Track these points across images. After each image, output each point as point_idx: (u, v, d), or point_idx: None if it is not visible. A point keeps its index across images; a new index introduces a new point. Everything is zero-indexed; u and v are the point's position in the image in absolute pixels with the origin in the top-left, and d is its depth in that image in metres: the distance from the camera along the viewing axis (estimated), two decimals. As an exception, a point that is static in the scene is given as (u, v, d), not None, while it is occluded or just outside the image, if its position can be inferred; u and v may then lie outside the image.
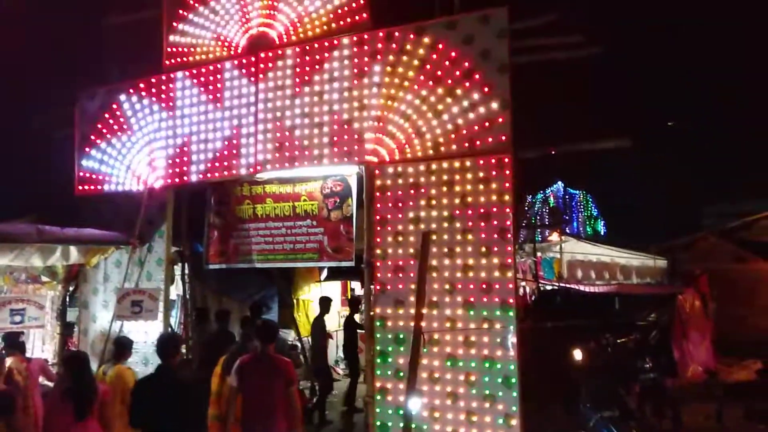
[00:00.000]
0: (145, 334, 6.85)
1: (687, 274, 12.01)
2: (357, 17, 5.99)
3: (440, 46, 5.51)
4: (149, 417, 3.88)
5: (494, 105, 5.27)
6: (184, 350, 7.93)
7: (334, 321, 11.72)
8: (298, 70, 6.17)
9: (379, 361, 5.48)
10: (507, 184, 5.21)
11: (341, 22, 6.06)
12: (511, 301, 5.10)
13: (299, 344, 9.06)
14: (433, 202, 5.47)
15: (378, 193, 5.70)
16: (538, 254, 13.45)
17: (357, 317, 7.47)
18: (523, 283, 12.15)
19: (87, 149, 7.51)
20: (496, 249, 5.18)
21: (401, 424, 5.09)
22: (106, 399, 4.48)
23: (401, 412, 5.14)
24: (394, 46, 5.73)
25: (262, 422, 4.32)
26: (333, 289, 12.45)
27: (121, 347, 5.21)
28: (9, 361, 5.78)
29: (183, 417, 3.88)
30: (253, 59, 6.44)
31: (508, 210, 5.19)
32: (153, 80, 7.11)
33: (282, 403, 4.36)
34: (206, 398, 4.97)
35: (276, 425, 4.32)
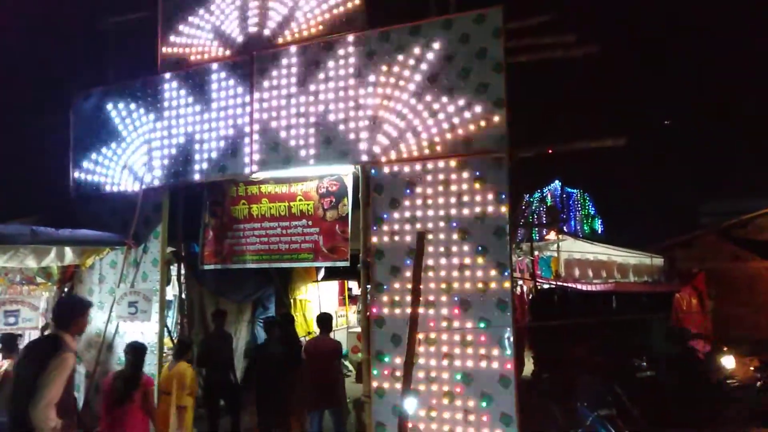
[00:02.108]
0: (141, 335, 6.82)
1: (684, 273, 12.03)
2: (352, 17, 5.97)
3: (436, 45, 5.51)
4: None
5: (490, 104, 5.26)
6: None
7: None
8: (293, 69, 6.16)
9: (375, 361, 5.47)
10: (503, 183, 5.21)
11: (337, 22, 6.05)
12: (507, 300, 5.09)
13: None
14: (429, 201, 5.47)
15: (374, 193, 5.69)
16: (536, 253, 13.47)
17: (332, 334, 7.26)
18: (521, 282, 12.15)
19: (82, 150, 7.49)
20: (492, 248, 5.17)
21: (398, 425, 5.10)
22: (148, 389, 5.06)
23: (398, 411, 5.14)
24: (389, 45, 5.72)
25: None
26: (330, 288, 12.47)
27: (184, 347, 6.15)
28: (6, 364, 5.77)
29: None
30: (248, 59, 6.43)
31: (504, 209, 5.19)
32: (148, 81, 7.09)
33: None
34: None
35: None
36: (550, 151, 6.31)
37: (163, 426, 5.51)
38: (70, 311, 4.02)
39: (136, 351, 5.15)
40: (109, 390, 4.98)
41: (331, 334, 6.78)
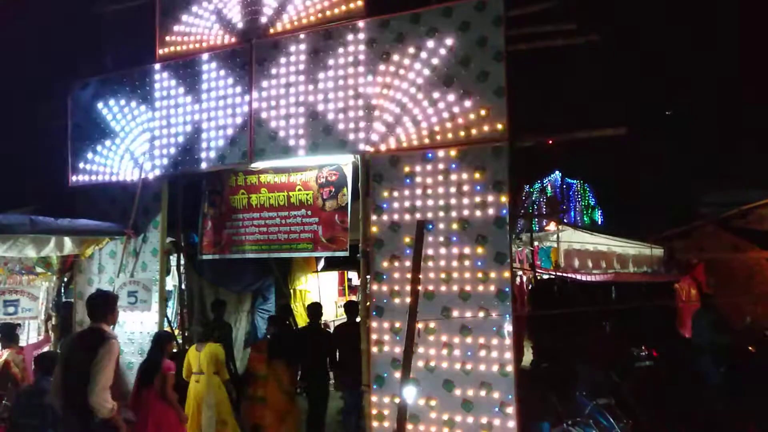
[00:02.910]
0: (140, 324, 6.84)
1: (683, 263, 12.04)
2: (352, 5, 5.92)
3: (436, 33, 5.47)
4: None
5: (490, 93, 5.23)
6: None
7: (332, 311, 11.77)
8: (292, 58, 6.12)
9: (375, 350, 5.48)
10: (503, 173, 5.19)
11: (336, 10, 6.01)
12: (507, 290, 5.09)
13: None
14: (429, 191, 5.45)
15: (373, 183, 5.68)
16: (536, 243, 13.48)
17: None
18: (520, 273, 12.16)
19: (81, 139, 7.46)
20: (492, 238, 5.17)
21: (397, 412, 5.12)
22: (167, 373, 5.49)
23: (397, 400, 5.16)
24: (389, 33, 5.67)
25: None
26: (330, 279, 12.48)
27: (209, 329, 6.73)
28: (6, 354, 5.79)
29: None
30: (247, 48, 6.38)
31: (504, 199, 5.17)
32: (147, 69, 7.05)
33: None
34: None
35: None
36: (550, 141, 6.29)
37: (189, 405, 6.04)
38: (104, 305, 4.41)
39: (159, 338, 5.74)
40: (138, 375, 5.64)
41: (331, 324, 6.81)
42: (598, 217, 29.89)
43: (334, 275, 12.69)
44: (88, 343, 4.14)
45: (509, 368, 5.00)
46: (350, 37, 5.84)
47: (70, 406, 4.11)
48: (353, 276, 12.98)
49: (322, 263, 11.02)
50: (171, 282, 8.82)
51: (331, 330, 8.42)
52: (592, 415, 5.48)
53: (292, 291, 10.41)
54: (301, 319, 10.34)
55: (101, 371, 4.01)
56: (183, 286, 8.57)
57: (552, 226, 16.73)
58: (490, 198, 5.21)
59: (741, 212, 10.75)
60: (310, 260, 10.58)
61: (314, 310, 7.09)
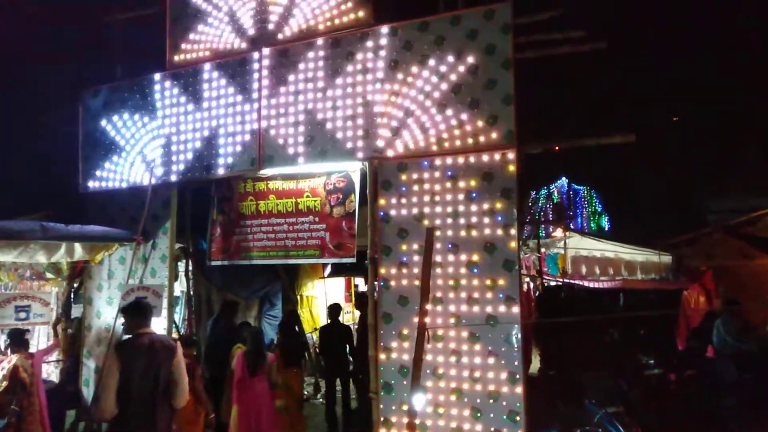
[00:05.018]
0: (149, 330, 6.85)
1: (692, 270, 11.95)
2: (360, 13, 5.97)
3: (444, 41, 5.49)
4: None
5: (498, 100, 5.24)
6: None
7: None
8: (301, 66, 6.16)
9: (383, 357, 5.48)
10: (512, 180, 5.20)
11: (344, 18, 6.05)
12: (515, 296, 5.09)
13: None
14: (437, 197, 5.46)
15: (381, 189, 5.69)
16: (543, 250, 13.43)
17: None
18: (528, 279, 12.13)
19: (91, 146, 7.53)
20: (500, 245, 5.17)
21: (405, 420, 5.11)
22: (272, 364, 6.15)
23: (405, 408, 5.15)
24: (397, 41, 5.71)
25: None
26: (336, 285, 12.49)
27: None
28: (14, 358, 5.81)
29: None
30: (255, 56, 6.44)
31: (512, 206, 5.18)
32: (156, 77, 7.11)
33: None
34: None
35: None
36: (557, 148, 6.28)
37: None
38: (152, 312, 4.81)
39: (253, 335, 6.29)
40: (243, 364, 6.05)
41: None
42: (605, 223, 29.76)
43: (340, 281, 12.70)
44: (160, 350, 4.48)
45: (518, 376, 4.98)
46: (359, 45, 5.88)
47: (145, 408, 4.39)
48: (360, 282, 12.99)
49: (329, 269, 11.04)
50: (178, 288, 8.87)
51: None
52: (601, 424, 5.45)
53: (299, 297, 10.44)
54: (308, 325, 10.36)
55: (183, 374, 4.54)
56: (191, 292, 8.61)
57: (559, 233, 16.67)
58: (498, 205, 5.21)
59: (750, 219, 10.68)
60: (317, 266, 10.60)
61: (335, 309, 7.84)
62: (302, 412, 6.65)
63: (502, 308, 5.10)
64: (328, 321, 7.99)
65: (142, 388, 4.35)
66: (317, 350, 9.05)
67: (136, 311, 4.65)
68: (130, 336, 4.60)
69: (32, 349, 6.46)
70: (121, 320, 4.92)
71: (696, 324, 9.39)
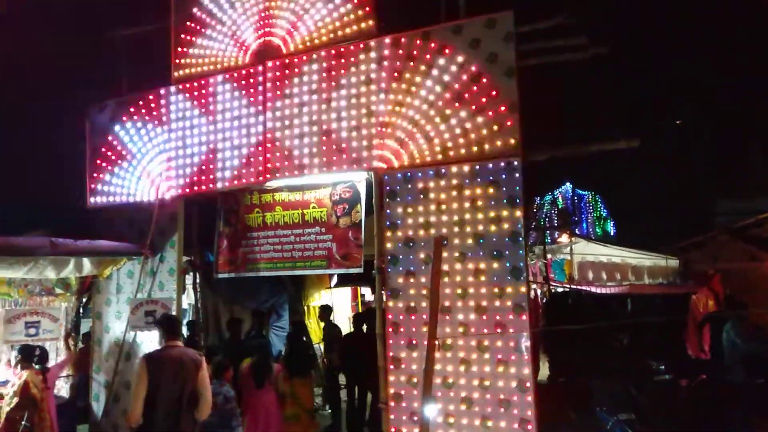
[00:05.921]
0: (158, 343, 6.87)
1: (700, 274, 11.88)
2: (363, 24, 6.01)
3: (447, 50, 5.53)
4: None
5: (502, 108, 5.26)
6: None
7: (345, 326, 11.75)
8: (305, 78, 6.21)
9: (392, 367, 5.47)
10: (517, 188, 5.20)
11: (347, 30, 6.09)
12: (523, 304, 5.08)
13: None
14: (443, 206, 5.47)
15: (387, 199, 5.71)
16: (549, 256, 13.38)
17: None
18: (534, 286, 12.09)
19: (98, 162, 7.58)
20: (507, 252, 5.17)
21: (416, 431, 5.09)
22: (278, 374, 6.26)
23: (416, 418, 5.13)
24: (400, 51, 5.74)
25: None
26: (343, 295, 12.49)
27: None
28: (25, 374, 5.83)
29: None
30: (260, 68, 6.49)
31: (519, 213, 5.18)
32: (162, 92, 7.18)
33: None
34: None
35: None
36: (561, 156, 6.28)
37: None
38: (180, 324, 4.99)
39: (261, 348, 6.76)
40: (247, 376, 6.14)
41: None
42: (611, 228, 29.66)
43: (347, 291, 12.70)
44: (185, 362, 4.59)
45: (528, 384, 4.96)
46: (362, 56, 5.92)
47: (175, 418, 4.50)
48: (366, 291, 12.98)
49: (335, 279, 11.04)
50: (186, 300, 8.89)
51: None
52: (613, 431, 5.42)
53: (306, 308, 10.44)
54: (315, 336, 10.35)
55: (208, 386, 4.68)
56: (199, 305, 8.63)
57: (565, 239, 16.62)
58: (505, 213, 5.21)
59: (758, 221, 10.62)
60: (323, 277, 10.61)
61: (359, 318, 7.81)
62: (315, 421, 6.64)
63: (510, 316, 5.08)
64: (351, 329, 8.05)
65: (169, 399, 4.44)
66: (324, 361, 9.05)
67: (169, 324, 4.80)
68: (159, 348, 4.72)
69: (50, 363, 6.47)
70: (157, 331, 5.05)
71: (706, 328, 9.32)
